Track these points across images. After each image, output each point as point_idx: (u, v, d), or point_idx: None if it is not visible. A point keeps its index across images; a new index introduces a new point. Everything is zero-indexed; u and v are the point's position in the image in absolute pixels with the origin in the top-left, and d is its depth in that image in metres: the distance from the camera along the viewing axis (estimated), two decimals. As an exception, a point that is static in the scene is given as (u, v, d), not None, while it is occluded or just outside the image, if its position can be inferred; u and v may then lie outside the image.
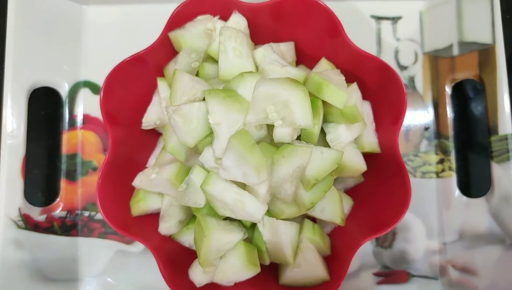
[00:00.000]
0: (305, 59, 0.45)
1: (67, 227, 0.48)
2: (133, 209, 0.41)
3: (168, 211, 0.40)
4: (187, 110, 0.36)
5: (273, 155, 0.35)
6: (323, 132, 0.40)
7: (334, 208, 0.39)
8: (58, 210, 0.48)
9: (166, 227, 0.40)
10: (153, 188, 0.40)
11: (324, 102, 0.38)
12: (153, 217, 0.42)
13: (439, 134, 0.49)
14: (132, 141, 0.42)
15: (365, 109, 0.42)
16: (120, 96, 0.41)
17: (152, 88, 0.44)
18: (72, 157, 0.49)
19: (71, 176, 0.49)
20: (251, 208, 0.35)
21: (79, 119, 0.50)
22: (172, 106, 0.36)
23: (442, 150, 0.49)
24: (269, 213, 0.38)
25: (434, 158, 0.49)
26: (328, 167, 0.36)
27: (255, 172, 0.33)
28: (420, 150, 0.49)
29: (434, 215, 0.48)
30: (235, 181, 0.35)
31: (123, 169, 0.41)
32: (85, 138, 0.50)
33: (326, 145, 0.40)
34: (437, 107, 0.50)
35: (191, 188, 0.37)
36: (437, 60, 0.50)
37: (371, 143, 0.42)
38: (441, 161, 0.49)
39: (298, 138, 0.38)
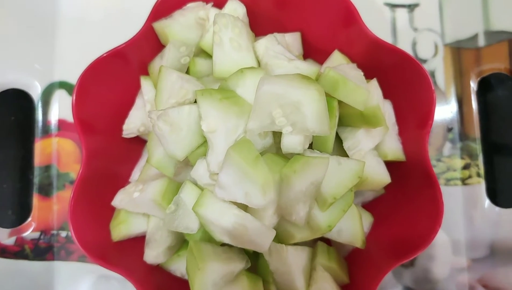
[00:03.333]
0: (313, 52, 0.42)
1: (41, 250, 0.44)
2: (113, 233, 0.37)
3: (154, 236, 0.36)
4: (175, 115, 0.32)
5: (282, 170, 0.31)
6: (337, 139, 0.36)
7: (353, 228, 0.35)
8: (30, 230, 0.44)
9: (152, 255, 0.36)
10: (136, 209, 0.36)
11: (339, 103, 0.34)
12: (138, 241, 0.38)
13: (464, 135, 0.46)
14: (111, 152, 0.39)
15: (386, 110, 0.38)
16: (96, 100, 0.38)
17: (135, 89, 0.40)
18: (46, 169, 0.45)
19: (45, 191, 0.45)
20: (255, 234, 0.31)
21: (54, 125, 0.46)
22: (156, 111, 0.32)
23: (468, 153, 0.46)
24: (276, 237, 0.33)
25: (459, 162, 0.46)
26: (348, 181, 0.32)
27: (259, 192, 0.29)
28: (443, 154, 0.46)
29: (461, 227, 0.45)
30: (235, 202, 0.31)
31: (101, 186, 0.38)
32: (61, 147, 0.46)
33: (343, 154, 0.36)
34: (462, 105, 0.46)
35: (182, 209, 0.33)
36: (460, 52, 0.47)
37: (395, 150, 0.38)
38: (467, 166, 0.46)
39: (309, 146, 0.34)
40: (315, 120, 0.30)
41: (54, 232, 0.44)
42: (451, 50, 0.47)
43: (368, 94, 0.33)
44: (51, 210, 0.45)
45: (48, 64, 0.46)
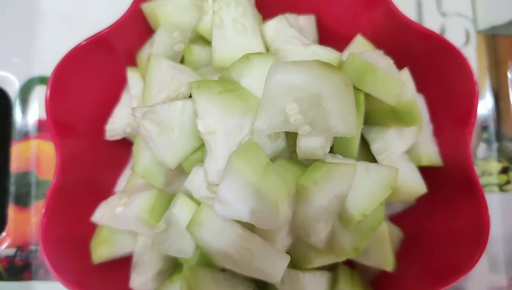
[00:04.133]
0: (330, 38, 0.39)
1: (17, 269, 0.41)
2: (94, 254, 0.34)
3: (143, 258, 0.33)
4: (165, 112, 0.28)
5: (299, 180, 0.27)
6: (362, 140, 0.33)
7: (382, 248, 0.32)
8: (4, 246, 0.41)
9: (140, 281, 0.32)
10: (120, 226, 0.33)
11: (365, 97, 0.30)
12: (123, 264, 0.35)
13: (501, 135, 0.43)
14: (92, 158, 0.36)
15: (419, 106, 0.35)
16: (75, 95, 0.35)
17: (120, 83, 0.37)
18: (24, 175, 0.42)
19: (23, 201, 0.42)
20: (265, 261, 0.27)
21: (33, 126, 0.43)
22: (141, 107, 0.28)
23: (506, 155, 0.43)
24: (290, 261, 0.29)
25: (495, 166, 0.42)
26: (379, 193, 0.28)
27: (270, 208, 0.25)
28: (477, 157, 0.43)
29: (499, 241, 0.41)
30: (240, 220, 0.28)
31: (80, 198, 0.34)
32: (41, 150, 0.43)
33: (368, 159, 0.32)
34: (498, 100, 0.43)
35: (174, 229, 0.30)
36: (495, 40, 0.44)
37: (430, 153, 0.34)
38: (505, 170, 0.42)
39: (329, 150, 0.31)
40: (340, 118, 0.26)
41: (32, 248, 0.41)
42: (485, 38, 0.44)
43: (402, 86, 0.29)
44: (28, 223, 0.41)
45: (27, 56, 0.44)
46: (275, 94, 0.26)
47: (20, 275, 0.40)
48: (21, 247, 0.41)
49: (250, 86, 0.29)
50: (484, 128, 0.43)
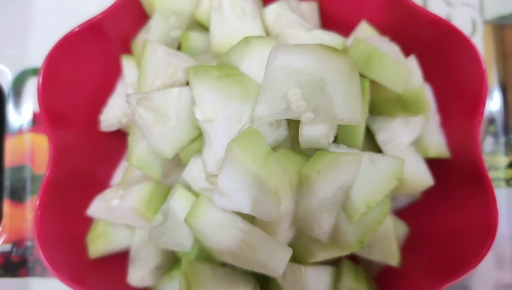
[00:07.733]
0: (332, 26, 0.37)
1: (13, 265, 0.41)
2: (90, 248, 0.33)
3: (140, 252, 0.32)
4: (160, 99, 0.27)
5: (301, 170, 0.26)
6: (367, 131, 0.32)
7: (386, 242, 0.31)
8: None
9: (138, 276, 0.32)
10: (116, 219, 0.32)
11: (370, 84, 0.30)
12: (120, 259, 0.34)
13: (508, 128, 0.42)
14: (87, 149, 0.35)
15: (425, 95, 0.35)
16: (68, 84, 0.34)
17: (115, 72, 0.37)
18: (19, 170, 0.42)
19: (18, 196, 0.41)
20: (266, 254, 0.26)
21: (28, 118, 0.42)
22: (135, 94, 0.27)
23: None
24: (292, 255, 0.28)
25: (503, 160, 0.42)
26: (384, 184, 0.28)
27: (272, 199, 0.24)
28: (484, 151, 0.42)
29: (506, 237, 0.41)
30: (240, 212, 0.27)
31: (75, 191, 0.34)
32: (36, 144, 0.42)
33: (373, 149, 0.31)
34: (505, 92, 0.43)
35: (171, 221, 0.29)
36: (503, 30, 0.44)
37: (437, 144, 0.33)
38: None
39: (333, 140, 0.30)
40: (345, 104, 0.25)
41: (29, 244, 0.41)
42: (492, 28, 0.44)
43: (409, 73, 0.28)
44: (24, 218, 0.41)
45: (20, 48, 0.43)
46: (276, 79, 0.25)
47: (16, 271, 0.40)
48: (17, 243, 0.41)
49: (250, 71, 0.28)
50: (491, 121, 0.42)
